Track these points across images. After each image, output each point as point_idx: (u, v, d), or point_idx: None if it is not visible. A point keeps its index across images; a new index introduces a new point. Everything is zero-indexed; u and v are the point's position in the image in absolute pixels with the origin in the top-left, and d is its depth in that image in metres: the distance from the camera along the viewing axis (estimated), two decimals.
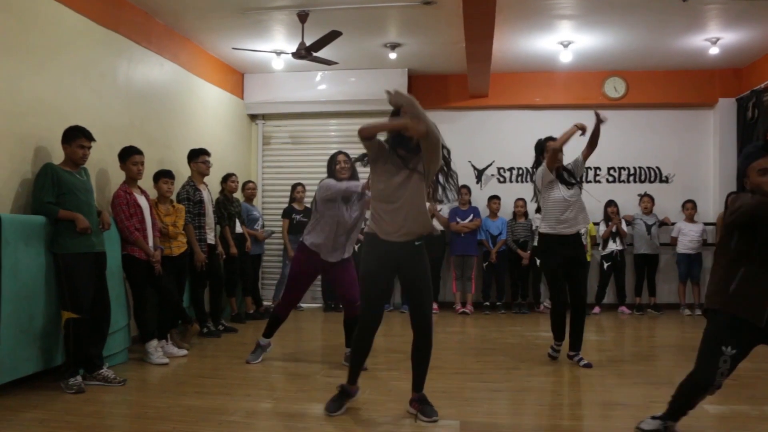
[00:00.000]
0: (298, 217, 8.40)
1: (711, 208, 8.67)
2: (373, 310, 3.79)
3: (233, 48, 7.27)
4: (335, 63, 6.94)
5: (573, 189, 5.20)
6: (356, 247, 5.44)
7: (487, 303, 8.52)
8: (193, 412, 3.92)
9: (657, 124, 8.85)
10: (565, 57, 7.54)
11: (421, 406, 3.78)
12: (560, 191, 5.18)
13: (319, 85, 8.89)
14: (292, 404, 4.17)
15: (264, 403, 4.19)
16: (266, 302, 8.29)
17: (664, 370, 5.26)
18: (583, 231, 5.52)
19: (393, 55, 7.66)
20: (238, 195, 7.66)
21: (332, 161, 5.08)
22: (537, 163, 5.43)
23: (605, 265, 8.42)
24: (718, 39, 7.25)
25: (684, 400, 3.24)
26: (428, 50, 7.81)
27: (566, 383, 4.86)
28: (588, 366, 5.13)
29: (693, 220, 8.43)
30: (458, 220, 8.44)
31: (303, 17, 6.25)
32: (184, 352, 5.58)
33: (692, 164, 8.85)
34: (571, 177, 5.24)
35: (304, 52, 6.31)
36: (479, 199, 8.83)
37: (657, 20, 6.74)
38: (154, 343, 5.32)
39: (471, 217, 8.50)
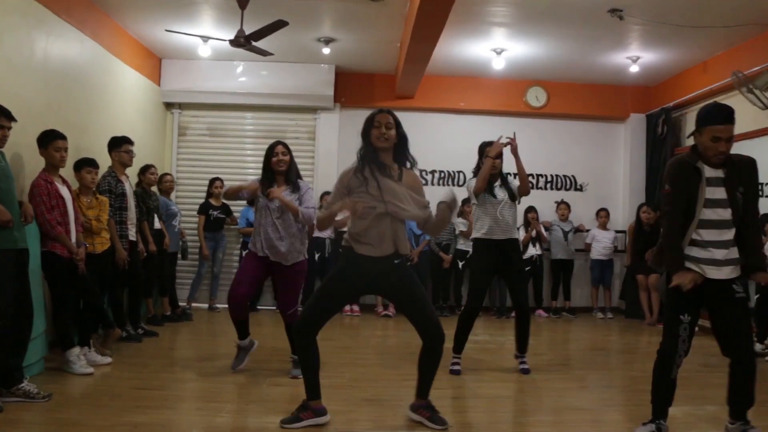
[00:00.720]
0: (215, 213, 7.99)
1: (621, 216, 9.08)
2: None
3: (166, 30, 6.74)
4: (271, 54, 6.61)
5: (506, 196, 5.19)
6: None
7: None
8: (142, 431, 3.55)
9: (574, 135, 9.16)
10: (498, 64, 7.61)
11: (430, 414, 3.66)
12: (494, 198, 5.17)
13: (241, 77, 8.48)
14: (248, 417, 3.90)
15: (218, 417, 3.86)
16: (181, 303, 7.79)
17: (607, 373, 5.42)
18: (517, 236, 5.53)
19: (326, 50, 7.43)
20: (154, 188, 7.15)
21: (270, 152, 4.80)
22: (478, 167, 5.34)
23: (525, 269, 8.58)
24: (638, 58, 7.57)
25: (661, 385, 3.49)
26: (361, 48, 7.64)
27: (518, 389, 4.85)
28: (526, 372, 5.15)
29: (606, 227, 8.79)
30: None
31: (243, 3, 5.89)
32: (107, 359, 5.08)
33: (605, 174, 9.23)
34: (503, 188, 5.21)
35: (243, 41, 5.94)
36: None
37: (587, 35, 6.93)
38: (77, 350, 4.79)
39: None
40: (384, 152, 3.60)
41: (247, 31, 6.00)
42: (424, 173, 9.02)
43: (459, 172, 8.97)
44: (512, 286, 5.27)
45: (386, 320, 8.00)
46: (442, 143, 8.94)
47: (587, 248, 8.83)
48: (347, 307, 8.31)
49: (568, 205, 8.86)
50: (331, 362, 5.03)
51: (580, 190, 9.19)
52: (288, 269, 4.77)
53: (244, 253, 8.13)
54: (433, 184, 9.01)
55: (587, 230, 8.90)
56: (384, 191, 3.50)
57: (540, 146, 8.95)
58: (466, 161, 8.80)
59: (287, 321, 4.83)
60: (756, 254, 3.41)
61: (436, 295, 8.51)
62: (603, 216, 8.78)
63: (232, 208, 8.21)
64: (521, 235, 8.59)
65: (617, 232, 8.91)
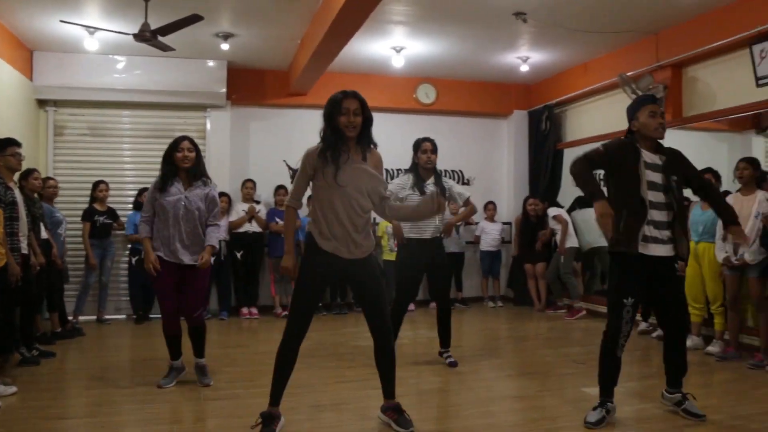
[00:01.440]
0: (101, 219, 7.46)
1: (506, 209, 9.53)
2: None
3: (61, 21, 6.11)
4: (172, 49, 6.25)
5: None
6: None
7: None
8: None
9: (461, 131, 9.46)
10: (397, 62, 7.68)
11: (397, 416, 3.65)
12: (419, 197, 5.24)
13: (124, 72, 7.92)
14: None
15: None
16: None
17: (523, 360, 5.70)
18: (441, 234, 5.65)
19: (225, 46, 7.12)
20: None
21: (174, 147, 4.58)
22: (414, 164, 5.35)
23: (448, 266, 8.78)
24: (528, 58, 7.96)
25: (607, 366, 3.77)
26: (258, 44, 7.40)
27: (451, 382, 4.97)
28: (454, 365, 5.31)
29: (493, 220, 9.18)
30: (278, 220, 8.16)
31: None
32: (13, 389, 4.59)
33: (490, 168, 9.64)
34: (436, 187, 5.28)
35: (149, 35, 5.57)
36: None
37: (483, 34, 7.16)
38: None
39: None
40: (350, 138, 3.53)
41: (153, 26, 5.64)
42: None
43: None
44: (435, 283, 5.41)
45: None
46: None
47: (476, 240, 9.19)
48: (245, 310, 8.10)
49: None
50: (255, 369, 4.92)
51: (468, 184, 9.53)
52: (195, 269, 4.58)
53: (134, 260, 7.70)
54: None
55: (476, 223, 9.25)
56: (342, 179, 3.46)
57: None
58: None
59: (193, 324, 4.70)
60: (727, 210, 3.88)
61: (333, 293, 8.48)
62: (491, 209, 9.17)
63: (119, 212, 7.71)
64: None
65: (504, 223, 9.35)
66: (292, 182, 8.53)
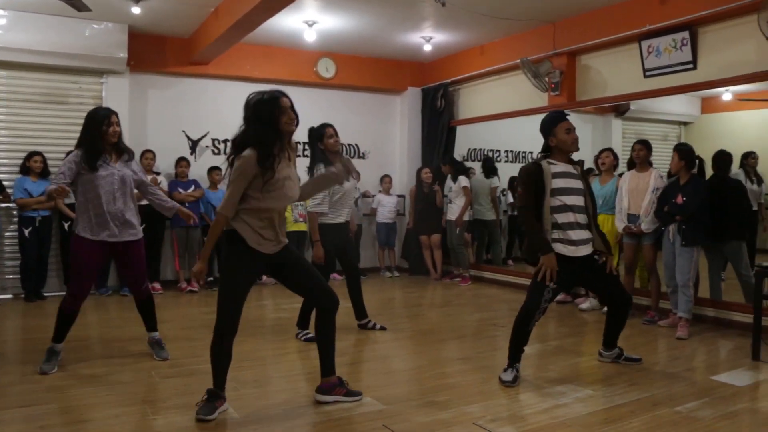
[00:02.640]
0: None
1: (400, 182, 9.93)
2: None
3: None
4: (89, 10, 5.90)
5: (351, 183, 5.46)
6: None
7: (212, 278, 8.30)
8: None
9: (357, 105, 9.69)
10: (309, 36, 7.73)
11: (346, 390, 3.80)
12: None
13: (17, 30, 7.18)
14: (173, 417, 3.70)
15: (150, 420, 3.62)
16: None
17: (449, 325, 6.10)
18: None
19: (137, 10, 6.78)
20: None
21: (102, 122, 4.36)
22: (314, 155, 5.43)
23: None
24: (431, 38, 8.32)
25: (519, 336, 4.21)
26: (169, 7, 7.07)
27: (391, 348, 5.27)
28: (383, 328, 5.73)
29: (389, 193, 9.54)
30: (180, 190, 7.99)
31: None
32: None
33: (385, 143, 9.97)
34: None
35: None
36: (195, 170, 8.46)
37: (396, 13, 7.35)
38: None
39: (193, 187, 8.13)
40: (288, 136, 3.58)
41: None
42: (217, 142, 8.82)
43: None
44: (348, 255, 5.70)
45: (191, 295, 7.76)
46: (236, 112, 8.72)
47: (373, 213, 9.51)
48: (184, 284, 7.93)
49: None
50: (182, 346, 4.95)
51: (363, 157, 9.80)
52: (135, 243, 4.51)
53: (26, 232, 7.22)
54: (225, 153, 8.77)
55: (372, 196, 9.57)
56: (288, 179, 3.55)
57: (328, 116, 9.07)
58: None
59: (142, 297, 4.69)
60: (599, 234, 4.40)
61: None
62: (387, 182, 9.52)
63: (5, 181, 7.17)
64: None
65: (398, 196, 9.75)
66: (191, 153, 8.59)
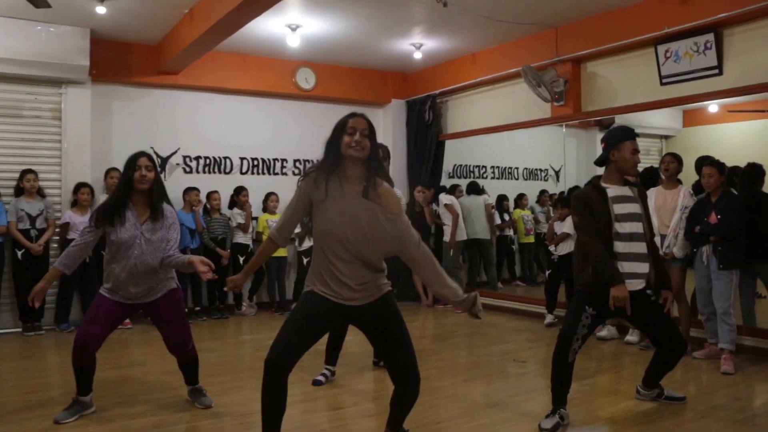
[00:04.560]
0: None
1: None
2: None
3: None
4: (48, 6, 5.13)
5: None
6: None
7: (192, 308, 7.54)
8: None
9: (339, 118, 9.00)
10: (293, 41, 7.06)
11: None
12: None
13: None
14: None
15: None
16: None
17: (466, 361, 5.47)
18: None
19: (101, 10, 6.00)
20: None
21: (132, 165, 3.81)
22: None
23: (305, 261, 8.23)
24: (421, 45, 7.73)
25: (560, 370, 3.69)
26: (137, 9, 6.31)
27: None
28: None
29: None
30: None
31: None
32: None
33: None
34: None
35: None
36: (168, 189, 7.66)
37: (385, 16, 6.76)
38: None
39: None
40: (352, 163, 2.90)
41: None
42: (188, 159, 8.05)
43: (225, 158, 8.20)
44: None
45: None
46: (210, 126, 8.09)
47: None
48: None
49: None
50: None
51: None
52: (158, 302, 3.88)
53: (19, 253, 6.46)
54: (198, 171, 8.05)
55: None
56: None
57: (308, 130, 8.65)
58: (233, 146, 8.17)
59: (185, 360, 4.07)
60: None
61: (211, 296, 7.72)
62: None
63: None
64: None
65: None
66: (161, 172, 7.80)
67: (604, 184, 3.80)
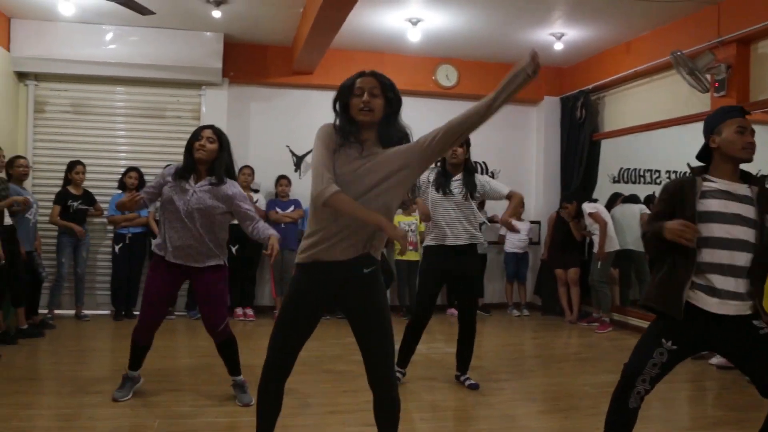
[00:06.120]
0: (75, 204, 6.72)
1: (535, 206, 8.59)
2: None
3: None
4: (152, 13, 5.47)
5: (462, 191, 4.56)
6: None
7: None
8: None
9: None
10: (413, 36, 6.80)
11: None
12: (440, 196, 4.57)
13: (111, 44, 7.14)
14: None
15: None
16: (42, 311, 6.53)
17: (552, 387, 4.79)
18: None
19: (217, 14, 6.30)
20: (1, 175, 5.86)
21: (195, 136, 3.91)
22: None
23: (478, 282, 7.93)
24: (562, 35, 7.02)
25: (615, 415, 2.82)
26: (256, 13, 6.56)
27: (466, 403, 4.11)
28: (474, 387, 4.55)
29: (520, 218, 8.24)
30: (278, 209, 7.37)
31: None
32: None
33: (517, 161, 8.69)
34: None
35: None
36: (299, 189, 7.79)
37: (512, 5, 6.27)
38: None
39: (292, 207, 7.48)
40: (366, 128, 2.62)
41: None
42: None
43: None
44: (462, 300, 4.69)
45: None
46: None
47: (501, 240, 8.26)
48: (239, 311, 7.32)
49: None
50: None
51: (492, 177, 8.60)
52: (203, 274, 3.92)
53: (117, 248, 6.98)
54: None
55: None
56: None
57: None
58: None
59: (220, 339, 4.04)
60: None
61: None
62: None
63: (98, 196, 6.98)
64: None
65: (531, 222, 8.41)
66: (295, 171, 7.96)
67: (708, 177, 2.84)
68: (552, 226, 7.94)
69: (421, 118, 8.71)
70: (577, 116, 8.02)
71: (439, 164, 4.56)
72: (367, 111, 2.56)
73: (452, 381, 4.71)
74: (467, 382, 4.59)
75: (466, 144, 4.50)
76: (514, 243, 8.14)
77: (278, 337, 2.61)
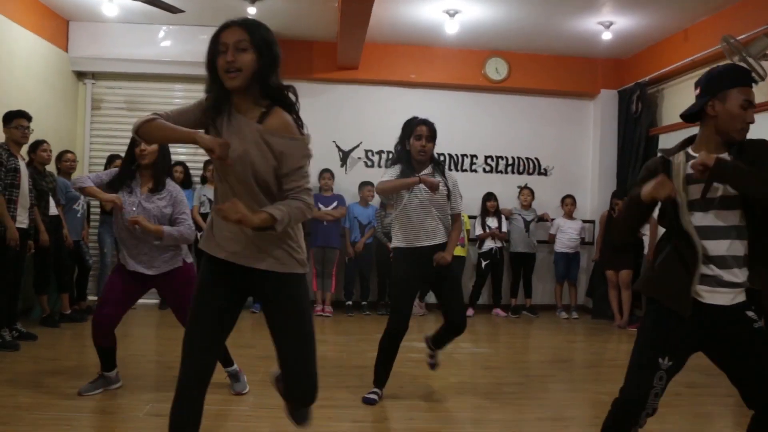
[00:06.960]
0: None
1: (589, 204, 8.25)
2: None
3: None
4: (181, 11, 5.63)
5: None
6: None
7: (350, 302, 7.57)
8: None
9: (538, 112, 8.26)
10: (451, 27, 6.67)
11: None
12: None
13: (163, 42, 7.43)
14: None
15: None
16: (92, 297, 6.87)
17: (589, 395, 4.57)
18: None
19: (252, 10, 6.41)
20: (51, 168, 6.20)
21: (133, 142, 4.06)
22: (402, 147, 4.14)
23: (483, 263, 7.73)
24: (611, 23, 6.68)
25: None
26: (294, 8, 6.62)
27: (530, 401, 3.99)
28: (432, 366, 4.40)
29: (572, 216, 7.93)
30: (320, 206, 7.41)
31: None
32: None
33: (571, 157, 8.35)
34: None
35: None
36: (344, 184, 7.82)
37: None
38: None
39: (335, 204, 7.50)
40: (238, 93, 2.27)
41: None
42: (369, 154, 8.11)
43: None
44: (449, 302, 4.13)
45: (323, 320, 7.10)
46: (392, 120, 7.98)
47: (551, 240, 7.97)
48: (318, 307, 7.39)
49: (531, 191, 7.97)
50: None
51: (545, 174, 8.33)
52: (166, 279, 3.90)
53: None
54: (380, 166, 8.05)
55: (551, 219, 8.02)
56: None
57: (501, 125, 8.13)
58: None
59: None
60: None
61: (381, 291, 7.64)
62: (569, 204, 7.92)
63: None
64: (477, 226, 7.76)
65: (584, 221, 8.07)
66: (341, 166, 7.99)
67: (691, 152, 2.45)
68: (604, 225, 7.58)
69: (469, 113, 8.63)
70: (633, 110, 7.62)
71: (397, 159, 4.18)
72: (234, 73, 2.19)
73: (495, 384, 4.59)
74: (430, 360, 4.37)
75: (433, 139, 4.05)
76: (564, 242, 7.83)
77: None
